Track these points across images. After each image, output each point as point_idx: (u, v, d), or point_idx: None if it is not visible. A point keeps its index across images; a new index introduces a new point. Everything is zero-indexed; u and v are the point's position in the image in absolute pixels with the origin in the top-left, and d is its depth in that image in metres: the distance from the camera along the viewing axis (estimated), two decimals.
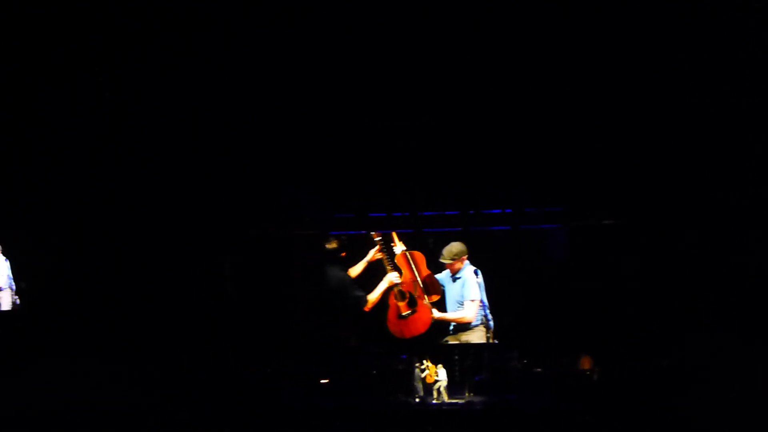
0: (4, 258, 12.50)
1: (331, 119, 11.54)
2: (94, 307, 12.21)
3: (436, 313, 11.05)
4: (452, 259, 10.98)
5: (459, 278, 11.02)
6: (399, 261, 11.12)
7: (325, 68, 10.94)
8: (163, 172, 12.06)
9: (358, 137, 11.63)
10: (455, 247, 11.03)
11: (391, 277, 11.07)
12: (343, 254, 11.19)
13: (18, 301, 12.49)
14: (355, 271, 11.21)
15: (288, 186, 12.26)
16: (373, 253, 11.22)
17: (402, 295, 11.10)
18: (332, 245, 11.15)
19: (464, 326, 10.96)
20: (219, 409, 10.48)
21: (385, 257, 11.09)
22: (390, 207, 11.95)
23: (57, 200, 12.20)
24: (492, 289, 11.04)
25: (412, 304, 11.09)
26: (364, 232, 11.47)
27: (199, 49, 10.74)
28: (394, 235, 11.18)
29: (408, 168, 11.67)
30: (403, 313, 11.09)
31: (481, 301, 10.89)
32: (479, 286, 10.89)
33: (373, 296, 11.06)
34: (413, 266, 11.07)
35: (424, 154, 11.54)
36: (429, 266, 11.19)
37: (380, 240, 11.13)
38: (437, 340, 11.15)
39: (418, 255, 11.16)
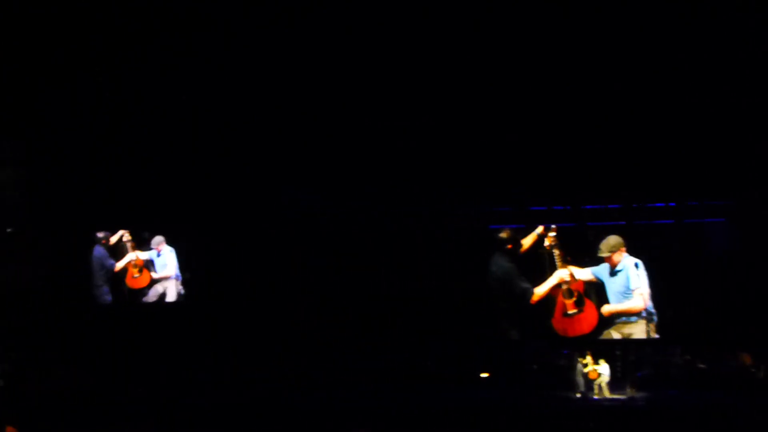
0: (170, 248, 13.13)
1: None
2: (255, 301, 12.82)
3: (606, 308, 11.26)
4: (610, 252, 11.14)
5: (620, 270, 11.17)
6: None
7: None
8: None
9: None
10: (612, 239, 11.18)
11: (562, 274, 11.32)
12: (509, 246, 11.53)
13: (183, 292, 13.12)
14: (526, 241, 11.55)
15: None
16: (534, 235, 11.55)
17: (570, 294, 11.33)
18: (505, 235, 11.53)
19: (626, 319, 11.17)
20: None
21: (559, 253, 11.38)
22: (551, 200, 12.08)
23: (219, 193, 12.73)
24: (654, 283, 11.15)
25: (580, 303, 11.31)
26: (523, 225, 11.79)
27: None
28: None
29: (570, 161, 11.80)
30: (569, 312, 11.31)
31: (645, 300, 11.09)
32: (640, 278, 11.11)
33: (541, 290, 11.31)
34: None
35: (587, 148, 11.65)
36: (587, 259, 11.45)
37: (555, 235, 11.40)
38: (599, 333, 11.31)
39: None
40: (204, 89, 11.63)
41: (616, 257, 11.18)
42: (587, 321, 11.26)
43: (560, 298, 11.31)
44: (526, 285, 11.29)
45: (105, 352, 12.38)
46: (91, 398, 11.25)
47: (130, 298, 13.05)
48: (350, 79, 11.27)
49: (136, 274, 13.01)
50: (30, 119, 12.14)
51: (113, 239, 12.98)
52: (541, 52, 10.84)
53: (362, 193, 12.54)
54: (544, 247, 11.41)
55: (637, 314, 11.09)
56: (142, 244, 13.12)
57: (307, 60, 11.02)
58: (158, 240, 13.13)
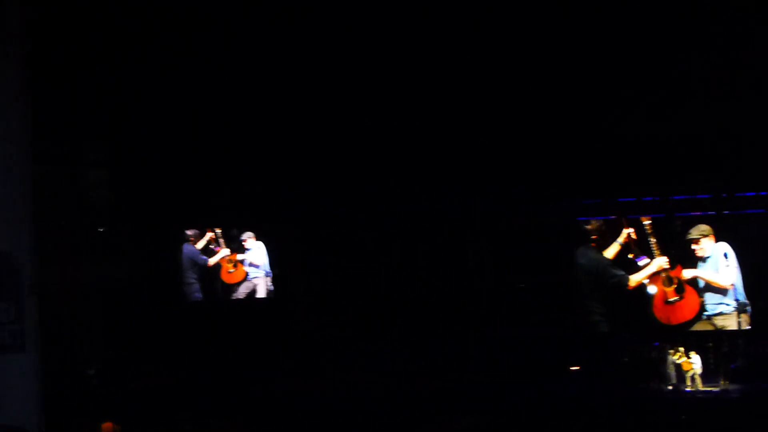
0: (260, 244, 13.38)
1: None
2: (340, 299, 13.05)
3: (689, 272, 11.29)
4: (700, 235, 11.15)
5: (709, 257, 11.21)
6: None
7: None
8: None
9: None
10: (702, 225, 11.21)
11: (660, 262, 11.33)
12: (594, 236, 11.61)
13: (272, 288, 13.37)
14: (609, 253, 11.54)
15: None
16: (625, 236, 11.61)
17: (669, 281, 11.34)
18: (592, 226, 11.60)
19: (719, 310, 11.21)
20: None
21: (655, 240, 11.36)
22: (640, 191, 12.08)
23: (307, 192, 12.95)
24: (746, 273, 11.13)
25: (680, 290, 11.31)
26: (612, 216, 11.82)
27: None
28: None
29: (657, 152, 11.80)
30: (670, 299, 11.31)
31: (733, 285, 11.09)
32: (729, 267, 11.05)
33: (638, 276, 11.33)
34: None
35: (675, 138, 11.64)
36: (673, 251, 11.43)
37: (650, 224, 11.39)
38: (692, 325, 11.33)
39: None
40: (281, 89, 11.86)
41: (704, 242, 11.19)
42: (689, 307, 11.27)
43: (659, 286, 11.33)
44: (620, 272, 11.33)
45: (196, 348, 12.64)
46: (182, 394, 11.52)
47: (223, 294, 13.29)
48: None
49: (231, 269, 13.25)
50: (118, 119, 12.40)
51: (200, 244, 13.25)
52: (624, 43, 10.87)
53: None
54: (629, 257, 11.46)
55: (724, 293, 11.10)
56: (232, 241, 13.36)
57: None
58: (248, 234, 13.39)
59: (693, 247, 11.23)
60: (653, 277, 11.28)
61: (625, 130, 11.68)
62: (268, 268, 13.28)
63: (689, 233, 11.21)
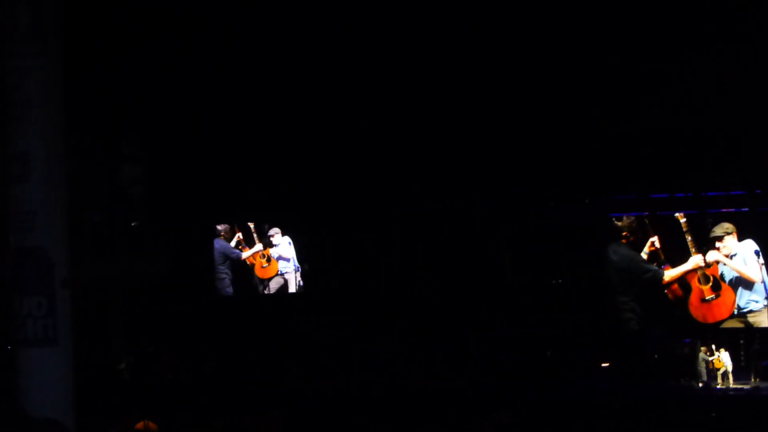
0: (288, 239, 13.45)
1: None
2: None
3: (716, 255, 11.26)
4: (724, 233, 11.21)
5: (735, 255, 11.23)
6: None
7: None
8: None
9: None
10: (726, 223, 11.29)
11: (697, 260, 11.33)
12: (625, 233, 11.58)
13: (301, 283, 13.44)
14: None
15: None
16: (650, 244, 11.58)
17: (706, 279, 11.34)
18: (623, 223, 11.58)
19: (749, 306, 11.19)
20: None
21: (690, 238, 11.37)
22: (672, 188, 12.03)
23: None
24: None
25: (716, 287, 11.31)
26: (645, 213, 11.79)
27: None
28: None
29: (690, 148, 11.75)
30: (707, 297, 11.31)
31: (762, 281, 11.09)
32: (758, 263, 11.08)
33: (673, 272, 11.37)
34: None
35: (708, 133, 11.58)
36: (705, 248, 11.44)
37: (685, 221, 11.38)
38: (722, 323, 11.31)
39: None
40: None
41: (728, 240, 11.25)
42: (726, 305, 11.29)
43: (695, 284, 11.34)
44: (653, 267, 11.36)
45: (228, 343, 12.72)
46: (214, 388, 11.63)
47: (258, 289, 13.35)
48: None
49: (265, 264, 13.30)
50: (151, 117, 12.48)
51: (233, 242, 13.30)
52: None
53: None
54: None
55: (755, 290, 11.09)
56: (263, 236, 13.43)
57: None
58: (275, 230, 13.41)
59: (717, 245, 11.27)
60: (689, 274, 11.22)
61: (656, 125, 11.58)
62: (296, 262, 13.28)
63: (713, 231, 11.28)
